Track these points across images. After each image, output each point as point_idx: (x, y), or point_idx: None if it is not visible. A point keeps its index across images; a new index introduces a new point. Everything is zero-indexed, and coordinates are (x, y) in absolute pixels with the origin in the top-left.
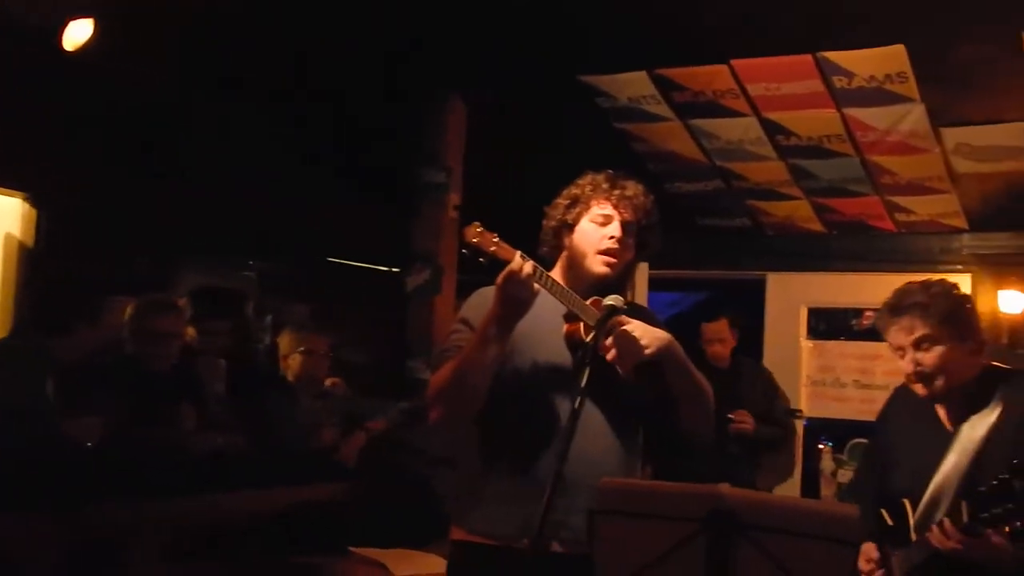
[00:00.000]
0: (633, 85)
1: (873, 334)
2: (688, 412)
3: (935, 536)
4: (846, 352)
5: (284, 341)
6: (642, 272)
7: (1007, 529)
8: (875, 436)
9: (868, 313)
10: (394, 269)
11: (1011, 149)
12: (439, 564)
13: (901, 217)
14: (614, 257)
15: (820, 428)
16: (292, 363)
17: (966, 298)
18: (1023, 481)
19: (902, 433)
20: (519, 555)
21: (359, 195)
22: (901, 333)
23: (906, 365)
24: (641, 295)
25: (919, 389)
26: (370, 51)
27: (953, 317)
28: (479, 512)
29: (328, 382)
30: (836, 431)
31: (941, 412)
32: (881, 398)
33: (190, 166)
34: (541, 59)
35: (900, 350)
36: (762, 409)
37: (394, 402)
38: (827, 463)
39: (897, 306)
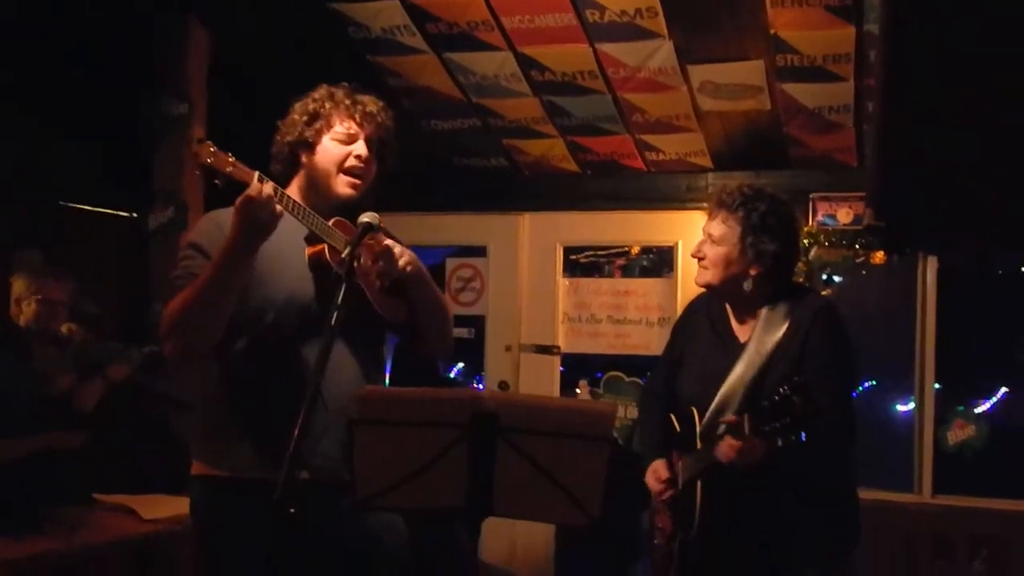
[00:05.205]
0: (385, 14)
1: (625, 271)
2: (431, 331)
3: (721, 451)
4: (600, 289)
5: (17, 285)
6: None
7: (780, 442)
8: (669, 343)
9: (619, 261)
10: (133, 214)
11: (751, 87)
12: None
13: (651, 156)
14: (359, 178)
15: (577, 363)
16: (26, 310)
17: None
18: (801, 397)
19: (696, 340)
20: (262, 485)
21: (93, 133)
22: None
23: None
24: None
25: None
26: None
27: (760, 226)
28: (219, 445)
29: (64, 328)
30: (592, 366)
31: (735, 323)
32: (634, 332)
33: None
34: None
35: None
36: None
37: (137, 347)
38: (584, 397)
39: (720, 201)
